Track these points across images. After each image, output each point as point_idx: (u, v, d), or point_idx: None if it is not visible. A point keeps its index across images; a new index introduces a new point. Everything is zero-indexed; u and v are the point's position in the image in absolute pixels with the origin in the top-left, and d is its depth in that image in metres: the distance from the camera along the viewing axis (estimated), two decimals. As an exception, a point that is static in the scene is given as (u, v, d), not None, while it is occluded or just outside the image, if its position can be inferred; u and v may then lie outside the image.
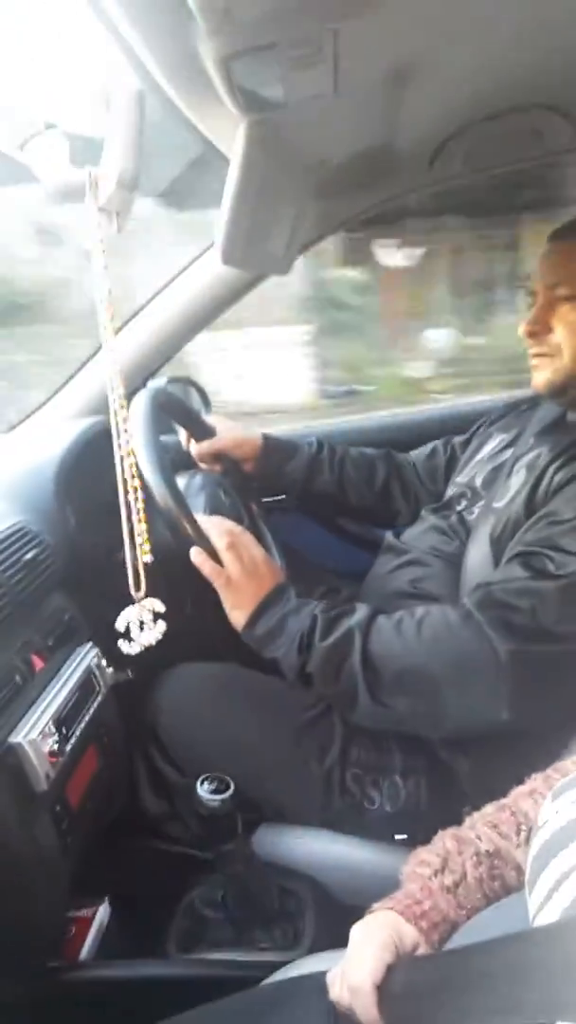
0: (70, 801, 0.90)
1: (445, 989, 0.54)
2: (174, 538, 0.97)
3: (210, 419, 1.31)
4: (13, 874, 0.81)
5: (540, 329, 1.00)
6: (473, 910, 0.64)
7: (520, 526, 0.95)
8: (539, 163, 1.21)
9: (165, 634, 0.86)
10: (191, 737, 1.04)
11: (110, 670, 1.01)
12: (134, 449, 0.96)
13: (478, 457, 1.20)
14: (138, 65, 0.66)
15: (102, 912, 1.00)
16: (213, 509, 1.11)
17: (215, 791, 0.85)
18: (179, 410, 1.25)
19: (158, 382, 1.39)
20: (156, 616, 0.84)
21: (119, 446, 0.75)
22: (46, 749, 0.82)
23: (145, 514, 0.78)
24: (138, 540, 0.77)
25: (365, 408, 3.60)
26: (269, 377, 3.78)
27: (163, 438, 1.02)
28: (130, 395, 1.08)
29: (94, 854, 0.98)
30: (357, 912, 0.68)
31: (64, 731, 0.87)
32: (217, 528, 0.99)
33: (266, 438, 1.32)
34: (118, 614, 0.83)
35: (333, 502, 1.37)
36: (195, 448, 1.28)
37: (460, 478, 1.20)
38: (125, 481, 0.76)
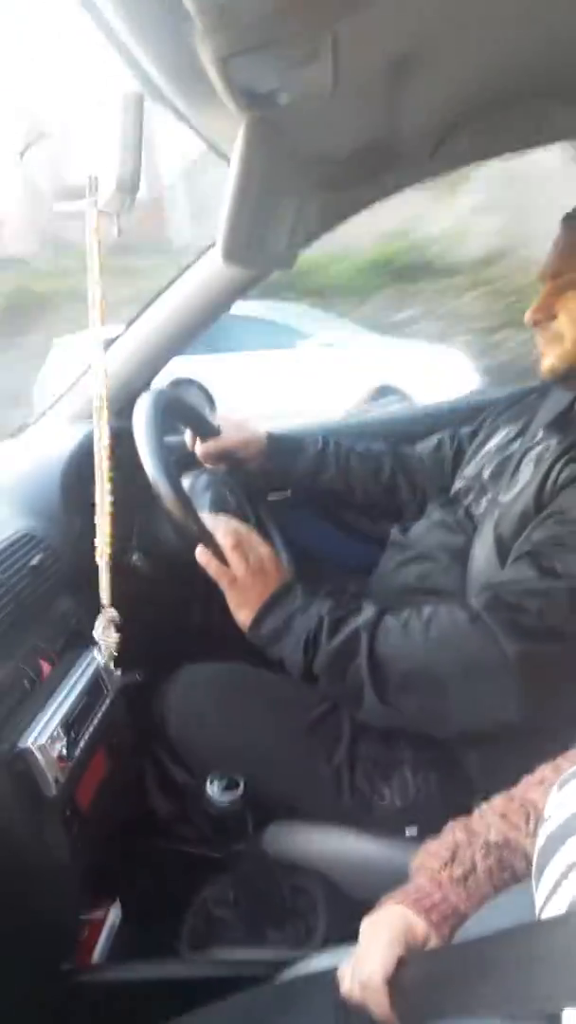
0: (80, 804, 0.90)
1: (455, 981, 0.54)
2: (180, 537, 0.97)
3: (215, 419, 1.31)
4: (25, 879, 0.81)
5: (545, 316, 1.00)
6: (483, 901, 0.64)
7: (528, 522, 0.94)
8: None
9: (173, 635, 0.86)
10: (199, 737, 1.04)
11: (118, 673, 1.01)
12: (139, 449, 0.97)
13: (485, 449, 1.19)
14: (135, 66, 0.65)
15: (114, 914, 1.00)
16: (219, 508, 1.11)
17: (225, 790, 0.85)
18: (184, 410, 1.25)
19: (162, 383, 1.38)
20: (116, 628, 0.85)
21: (99, 450, 0.75)
22: (55, 754, 0.82)
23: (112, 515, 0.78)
24: (99, 542, 0.78)
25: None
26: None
27: (167, 439, 1.01)
28: (134, 397, 1.08)
29: (105, 856, 0.98)
30: (369, 907, 0.68)
31: (73, 735, 0.87)
32: (223, 527, 0.98)
33: (271, 436, 1.32)
34: (125, 616, 0.84)
35: (339, 498, 1.36)
36: (200, 448, 1.28)
37: (467, 471, 1.19)
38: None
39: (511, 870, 0.65)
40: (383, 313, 8.47)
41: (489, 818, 0.68)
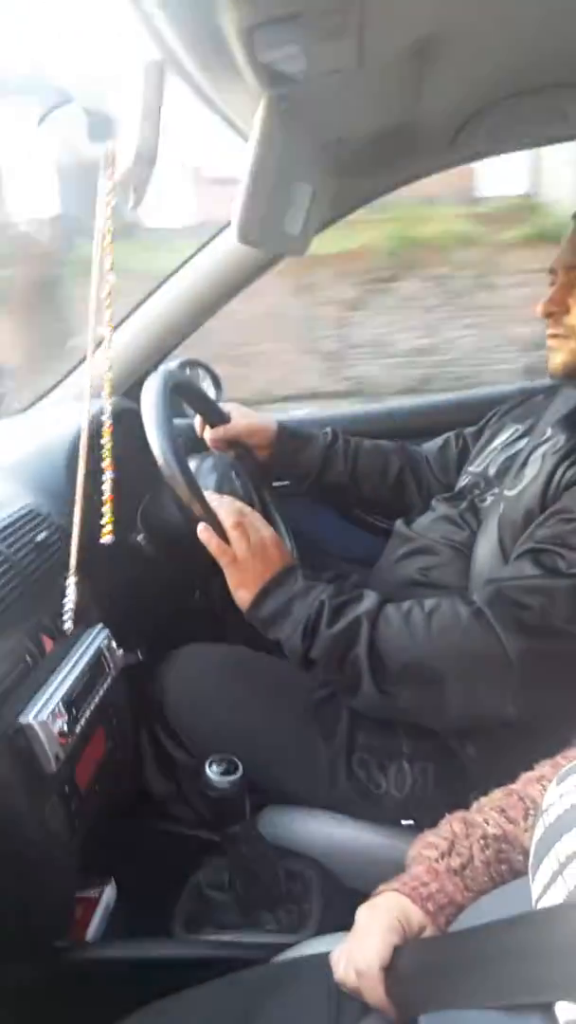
0: (79, 782, 0.90)
1: (451, 970, 0.55)
2: (183, 516, 0.96)
3: (225, 405, 1.30)
4: (22, 854, 0.81)
5: (558, 310, 0.99)
6: (479, 893, 0.64)
7: (533, 518, 0.94)
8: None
9: (174, 615, 0.86)
10: (198, 719, 1.04)
11: (120, 652, 1.01)
12: (145, 425, 0.96)
13: (492, 446, 1.19)
14: (157, 37, 0.64)
15: (108, 893, 1.01)
16: (223, 489, 1.11)
17: (224, 774, 0.85)
18: (193, 393, 1.24)
19: (172, 364, 1.37)
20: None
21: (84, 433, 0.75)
22: (56, 730, 0.83)
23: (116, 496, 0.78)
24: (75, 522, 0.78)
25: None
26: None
27: (176, 421, 1.01)
28: (143, 377, 1.07)
29: (101, 835, 0.98)
30: (363, 895, 0.68)
31: (74, 712, 0.87)
32: (226, 507, 0.98)
33: (281, 426, 1.31)
34: (128, 596, 0.83)
35: (346, 493, 1.36)
36: (209, 434, 1.27)
37: (473, 467, 1.19)
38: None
39: (508, 864, 0.65)
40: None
41: (488, 812, 0.68)
